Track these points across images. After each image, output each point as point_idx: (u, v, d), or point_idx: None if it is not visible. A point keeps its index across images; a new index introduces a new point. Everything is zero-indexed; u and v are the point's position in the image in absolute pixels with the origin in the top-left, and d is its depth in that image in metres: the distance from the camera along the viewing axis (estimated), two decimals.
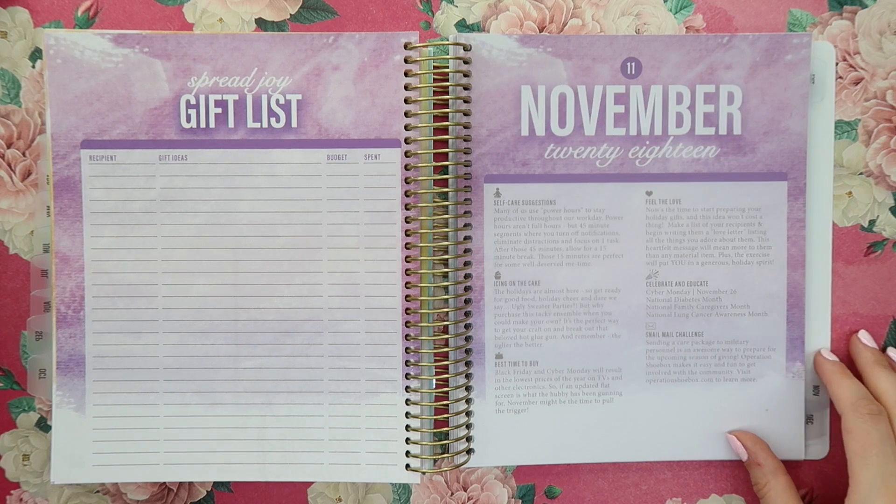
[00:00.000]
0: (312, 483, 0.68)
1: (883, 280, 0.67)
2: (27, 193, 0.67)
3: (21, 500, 0.68)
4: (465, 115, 0.64)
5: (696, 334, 0.65)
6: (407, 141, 0.64)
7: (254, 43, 0.64)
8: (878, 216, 0.67)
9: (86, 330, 0.65)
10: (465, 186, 0.65)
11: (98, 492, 0.68)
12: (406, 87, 0.64)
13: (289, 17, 0.67)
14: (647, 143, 0.65)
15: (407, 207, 0.64)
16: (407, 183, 0.64)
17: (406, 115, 0.64)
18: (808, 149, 0.65)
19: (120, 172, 0.65)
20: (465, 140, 0.65)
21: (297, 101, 0.64)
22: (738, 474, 0.68)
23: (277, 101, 0.64)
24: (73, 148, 0.64)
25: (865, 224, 0.67)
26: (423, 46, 0.64)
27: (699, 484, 0.68)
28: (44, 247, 0.66)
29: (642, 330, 0.65)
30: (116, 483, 0.68)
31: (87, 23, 0.67)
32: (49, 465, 0.67)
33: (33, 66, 0.67)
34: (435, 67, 0.65)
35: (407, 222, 0.64)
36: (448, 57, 0.64)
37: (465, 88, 0.64)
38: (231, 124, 0.65)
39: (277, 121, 0.65)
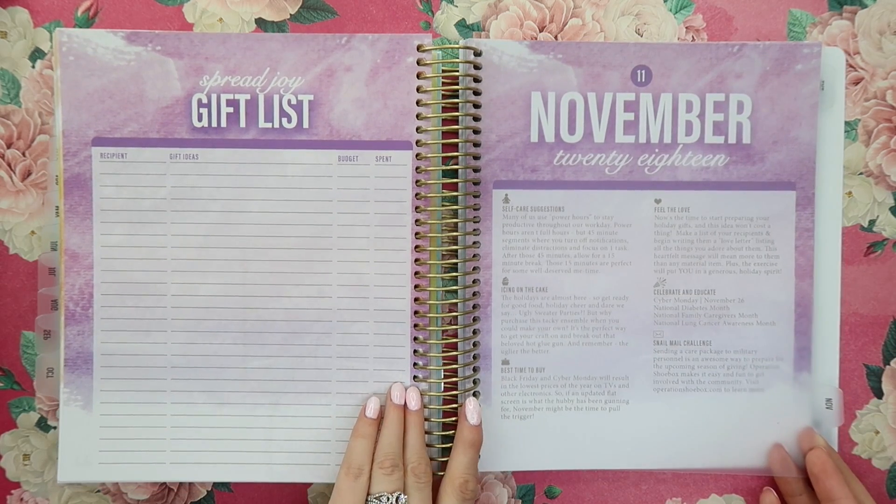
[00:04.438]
0: (312, 483, 0.68)
1: (883, 280, 0.68)
2: (27, 193, 0.67)
3: (22, 499, 0.68)
4: (476, 119, 0.65)
5: (703, 343, 0.66)
6: (418, 143, 0.64)
7: (266, 43, 0.64)
8: (878, 216, 0.68)
9: (94, 327, 0.65)
10: (475, 192, 0.65)
11: (99, 491, 0.68)
12: (418, 90, 0.64)
13: (289, 17, 0.67)
14: (657, 150, 0.65)
15: (418, 209, 0.64)
16: (418, 185, 0.64)
17: (418, 117, 0.64)
18: (817, 155, 0.65)
19: (131, 170, 0.65)
20: (474, 145, 0.65)
21: (309, 101, 0.64)
22: (737, 474, 0.68)
23: (289, 101, 0.64)
24: (84, 145, 0.64)
25: (865, 224, 0.68)
26: (435, 49, 0.64)
27: (699, 484, 0.68)
28: (51, 245, 0.66)
29: (650, 338, 0.66)
30: (117, 482, 0.68)
31: (87, 23, 0.67)
32: (49, 464, 0.67)
33: (33, 66, 0.67)
34: (447, 71, 0.65)
35: (417, 224, 0.65)
36: (458, 61, 0.64)
37: (476, 93, 0.64)
38: (242, 124, 0.64)
39: (289, 121, 0.65)
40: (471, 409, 0.63)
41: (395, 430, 0.63)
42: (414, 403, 0.64)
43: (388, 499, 0.60)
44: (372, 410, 0.64)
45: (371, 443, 0.63)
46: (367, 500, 0.60)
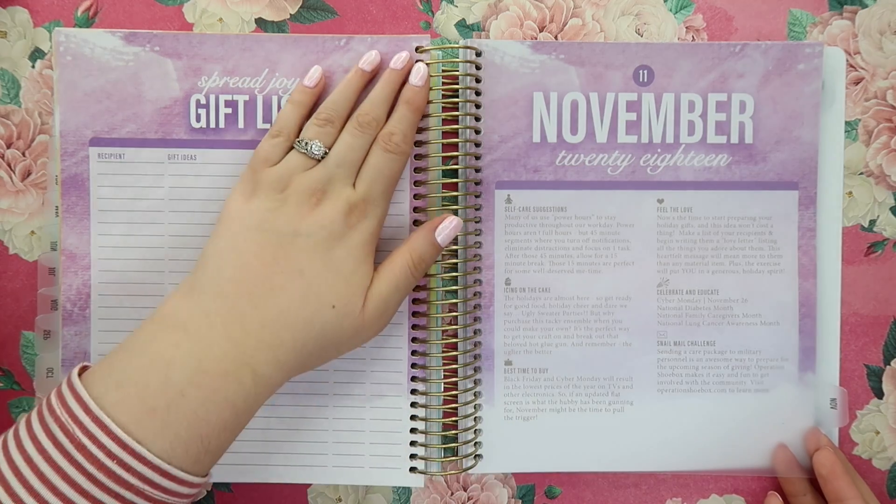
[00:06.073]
0: (312, 483, 0.68)
1: (883, 280, 0.67)
2: (27, 193, 0.66)
3: None
4: (476, 119, 0.64)
5: (707, 343, 0.65)
6: (417, 144, 0.64)
7: (265, 44, 0.64)
8: (878, 216, 0.67)
9: (91, 328, 0.65)
10: (476, 192, 0.65)
11: None
12: None
13: (289, 16, 0.67)
14: (659, 150, 0.65)
15: (416, 210, 0.64)
16: (416, 186, 0.64)
17: None
18: (819, 156, 0.65)
19: (128, 171, 0.64)
20: (475, 145, 0.65)
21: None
22: (739, 475, 0.68)
23: None
24: (82, 145, 0.64)
25: (866, 224, 0.67)
26: (434, 49, 0.64)
27: (699, 484, 0.68)
28: (51, 245, 0.66)
29: (653, 338, 0.65)
30: None
31: (87, 22, 0.66)
32: None
33: (33, 66, 0.66)
34: (446, 71, 0.65)
35: (415, 225, 0.64)
36: (459, 60, 0.64)
37: (477, 93, 0.64)
38: (241, 124, 0.64)
39: None
40: (415, 69, 0.62)
41: (350, 89, 0.62)
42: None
43: (305, 144, 0.59)
44: (311, 79, 0.62)
45: (302, 110, 0.61)
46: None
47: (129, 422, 0.50)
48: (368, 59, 0.62)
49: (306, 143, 0.59)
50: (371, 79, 0.63)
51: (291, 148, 0.60)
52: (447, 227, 0.61)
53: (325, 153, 0.59)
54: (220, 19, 0.66)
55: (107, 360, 0.53)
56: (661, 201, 0.65)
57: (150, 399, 0.51)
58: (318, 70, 0.62)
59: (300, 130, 0.61)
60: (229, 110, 0.64)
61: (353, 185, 0.59)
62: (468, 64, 0.64)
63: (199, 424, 0.52)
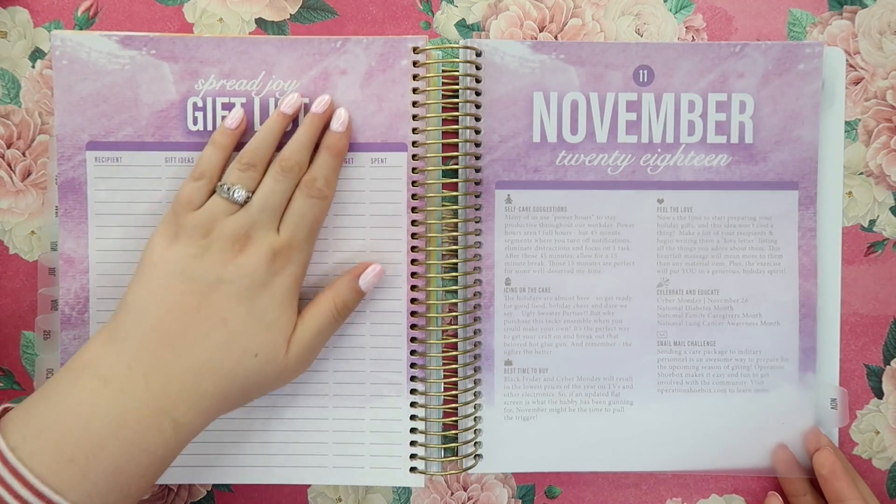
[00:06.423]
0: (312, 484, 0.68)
1: (883, 280, 0.67)
2: (27, 193, 0.66)
3: None
4: (476, 119, 0.64)
5: (707, 343, 0.65)
6: (414, 144, 0.64)
7: (261, 46, 0.64)
8: (878, 216, 0.67)
9: (90, 332, 0.64)
10: (476, 192, 0.65)
11: None
12: (415, 91, 0.64)
13: (289, 16, 0.67)
14: (659, 150, 0.65)
15: (414, 210, 0.64)
16: (414, 186, 0.64)
17: (414, 118, 0.64)
18: (819, 156, 0.65)
19: (126, 174, 0.64)
20: (475, 145, 0.64)
21: (304, 104, 0.64)
22: (739, 475, 0.68)
23: None
24: (79, 149, 0.64)
25: (866, 224, 0.67)
26: (433, 49, 0.63)
27: (699, 484, 0.68)
28: (51, 245, 0.66)
29: (653, 338, 0.65)
30: None
31: (87, 23, 0.66)
32: None
33: (33, 66, 0.66)
34: (446, 71, 0.64)
35: (414, 225, 0.64)
36: (458, 60, 0.64)
37: (477, 93, 0.64)
38: None
39: None
40: (336, 115, 0.62)
41: (272, 133, 0.61)
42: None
43: (227, 189, 0.58)
44: (233, 120, 0.62)
45: (224, 153, 0.61)
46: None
47: (46, 472, 0.50)
48: (289, 103, 0.62)
49: (228, 188, 0.58)
50: (292, 121, 0.62)
51: (214, 191, 0.59)
52: (370, 273, 0.62)
53: (248, 198, 0.59)
54: (220, 19, 0.66)
55: (25, 408, 0.53)
56: (661, 201, 0.65)
57: (69, 450, 0.51)
58: (239, 111, 0.62)
59: (223, 173, 0.60)
60: (226, 113, 0.64)
61: (277, 229, 0.59)
62: (468, 64, 0.64)
63: (118, 474, 0.51)
